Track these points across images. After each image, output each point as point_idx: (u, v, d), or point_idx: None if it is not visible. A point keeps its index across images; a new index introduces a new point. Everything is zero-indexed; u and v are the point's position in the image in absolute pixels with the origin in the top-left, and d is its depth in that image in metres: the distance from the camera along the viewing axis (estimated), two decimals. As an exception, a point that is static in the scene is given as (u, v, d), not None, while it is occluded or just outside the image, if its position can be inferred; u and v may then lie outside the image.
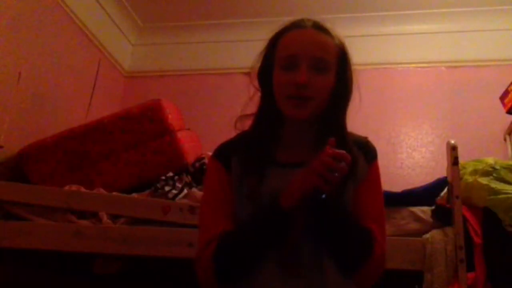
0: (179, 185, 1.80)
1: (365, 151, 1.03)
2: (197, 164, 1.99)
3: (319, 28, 1.01)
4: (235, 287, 0.93)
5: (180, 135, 1.99)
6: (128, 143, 1.94)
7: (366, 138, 1.08)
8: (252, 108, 1.06)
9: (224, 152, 1.05)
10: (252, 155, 1.00)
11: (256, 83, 1.06)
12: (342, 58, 1.01)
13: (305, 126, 1.01)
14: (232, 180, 1.00)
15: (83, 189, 1.82)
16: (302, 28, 1.01)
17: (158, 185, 1.78)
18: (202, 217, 1.03)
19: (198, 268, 0.97)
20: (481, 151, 2.18)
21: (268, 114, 1.02)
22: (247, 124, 1.06)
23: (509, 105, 2.21)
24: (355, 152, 0.98)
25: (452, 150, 1.50)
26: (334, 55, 0.99)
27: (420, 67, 2.81)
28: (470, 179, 1.56)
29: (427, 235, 1.47)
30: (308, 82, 0.94)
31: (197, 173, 1.97)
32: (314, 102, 0.96)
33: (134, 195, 1.80)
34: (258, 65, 1.06)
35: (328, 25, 1.03)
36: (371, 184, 1.02)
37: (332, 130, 0.97)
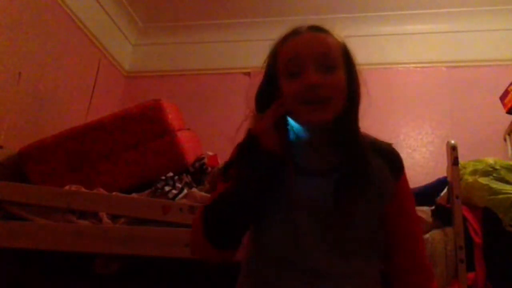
0: (179, 185, 1.80)
1: (390, 163, 0.95)
2: (197, 164, 1.99)
3: (316, 29, 0.97)
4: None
5: (180, 135, 1.99)
6: (128, 143, 1.94)
7: (390, 145, 1.00)
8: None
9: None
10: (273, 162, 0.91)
11: (252, 103, 0.98)
12: (346, 56, 0.96)
13: (321, 132, 0.94)
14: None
15: (83, 189, 1.82)
16: (298, 34, 0.96)
17: (158, 185, 1.78)
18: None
19: (191, 240, 0.94)
20: (481, 151, 2.18)
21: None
22: None
23: (509, 105, 2.21)
24: (370, 157, 0.92)
25: (452, 150, 1.50)
26: (338, 52, 0.94)
27: (420, 67, 2.81)
28: (470, 179, 1.56)
29: (427, 235, 1.47)
30: (319, 81, 0.88)
31: (197, 173, 1.97)
32: (332, 103, 0.89)
33: (134, 195, 1.80)
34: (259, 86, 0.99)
35: (325, 26, 0.98)
36: (403, 203, 0.94)
37: (345, 134, 0.92)
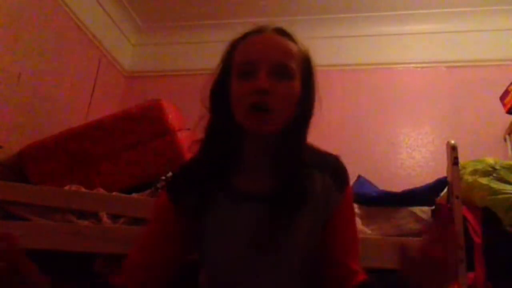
0: (179, 185, 1.80)
1: (336, 178, 0.92)
2: (197, 164, 1.99)
3: (280, 32, 0.92)
4: None
5: (180, 135, 1.99)
6: (128, 143, 1.94)
7: (336, 158, 0.96)
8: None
9: (176, 185, 0.98)
10: (207, 187, 0.91)
11: (207, 101, 0.95)
12: (306, 66, 0.92)
13: (265, 144, 0.91)
14: (182, 220, 0.93)
15: (83, 189, 1.82)
16: (261, 33, 0.92)
17: (158, 185, 1.78)
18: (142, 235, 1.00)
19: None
20: (481, 151, 2.18)
21: (222, 133, 0.92)
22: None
23: (509, 105, 2.21)
24: (318, 177, 0.90)
25: (452, 150, 1.50)
26: (297, 62, 0.90)
27: (420, 67, 2.81)
28: (470, 179, 1.56)
29: (427, 235, 1.47)
30: (270, 88, 0.84)
31: (197, 173, 1.97)
32: (278, 114, 0.86)
33: (134, 195, 1.80)
34: (212, 81, 0.95)
35: (290, 30, 0.94)
36: (344, 215, 0.92)
37: (287, 149, 0.89)
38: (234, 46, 0.93)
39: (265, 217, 0.87)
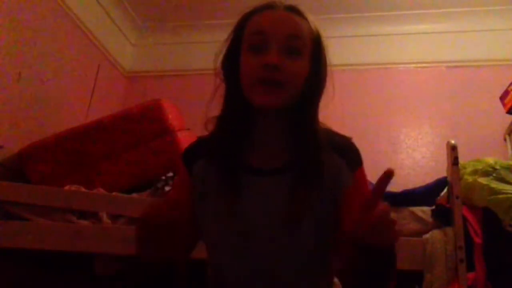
0: (179, 185, 1.80)
1: (347, 158, 0.91)
2: (197, 164, 1.99)
3: (292, 9, 0.92)
4: None
5: (180, 135, 1.99)
6: (128, 143, 1.94)
7: (349, 139, 0.96)
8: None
9: (189, 153, 1.00)
10: (225, 163, 0.91)
11: (221, 75, 0.97)
12: (317, 44, 0.92)
13: (277, 119, 0.91)
14: (193, 186, 0.94)
15: (83, 189, 1.82)
16: (272, 9, 0.92)
17: (158, 185, 1.78)
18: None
19: None
20: (481, 151, 2.18)
21: (236, 108, 0.92)
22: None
23: (509, 105, 2.21)
24: (326, 156, 0.89)
25: (452, 150, 1.50)
26: (308, 39, 0.90)
27: (420, 67, 2.81)
28: (470, 179, 1.56)
29: (427, 235, 1.47)
30: (280, 64, 0.84)
31: (197, 173, 1.97)
32: (287, 89, 0.86)
33: (134, 195, 1.80)
34: (223, 54, 0.97)
35: (302, 8, 0.93)
36: (355, 191, 0.91)
37: (302, 126, 0.89)
38: (245, 20, 0.94)
39: (281, 189, 0.88)
